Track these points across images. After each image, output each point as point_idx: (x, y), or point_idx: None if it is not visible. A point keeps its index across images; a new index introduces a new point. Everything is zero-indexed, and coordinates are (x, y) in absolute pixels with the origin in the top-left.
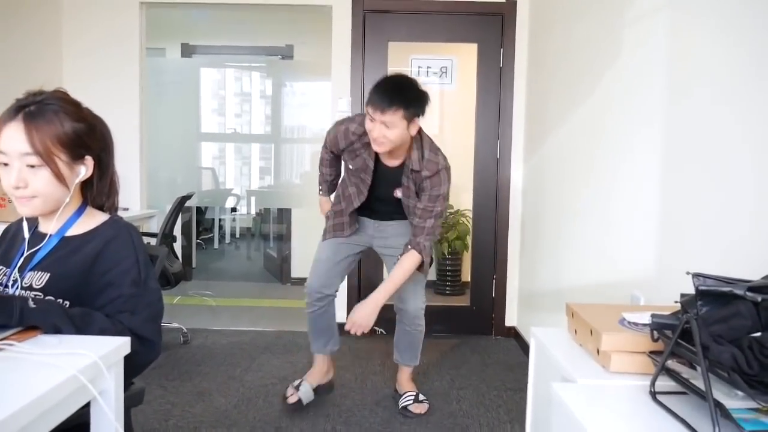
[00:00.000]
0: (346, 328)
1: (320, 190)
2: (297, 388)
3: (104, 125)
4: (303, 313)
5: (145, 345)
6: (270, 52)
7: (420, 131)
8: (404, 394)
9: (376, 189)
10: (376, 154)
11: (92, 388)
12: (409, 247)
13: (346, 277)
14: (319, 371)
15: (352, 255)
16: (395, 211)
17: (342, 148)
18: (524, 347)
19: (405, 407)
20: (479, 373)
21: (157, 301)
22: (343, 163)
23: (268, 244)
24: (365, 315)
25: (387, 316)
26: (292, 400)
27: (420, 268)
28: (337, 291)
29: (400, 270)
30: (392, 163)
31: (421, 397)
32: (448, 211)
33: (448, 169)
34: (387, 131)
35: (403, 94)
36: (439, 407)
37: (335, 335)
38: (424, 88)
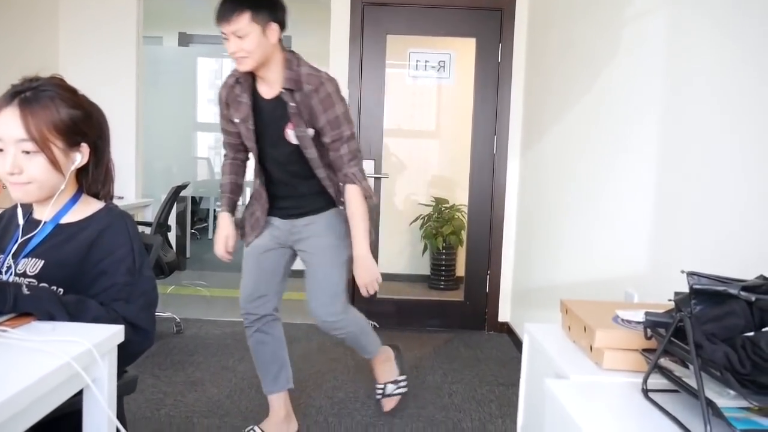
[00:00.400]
0: (363, 294)
1: (219, 205)
2: None
3: (100, 113)
4: (296, 304)
5: (139, 333)
6: None
7: (294, 53)
8: (376, 386)
9: (264, 135)
10: (254, 92)
11: (85, 376)
12: (341, 184)
13: None
14: (276, 418)
15: (283, 260)
16: (298, 183)
17: (225, 99)
18: (517, 343)
19: (378, 401)
20: (472, 368)
21: (151, 290)
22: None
23: None
24: (365, 272)
25: (378, 310)
26: None
27: (366, 199)
28: (275, 310)
29: (351, 210)
30: (270, 92)
31: (390, 388)
32: (444, 206)
33: (334, 81)
34: (242, 42)
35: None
36: (431, 401)
37: (285, 368)
38: None
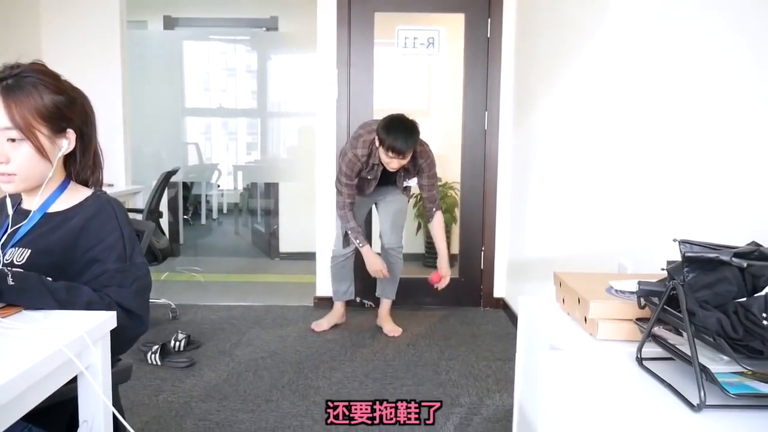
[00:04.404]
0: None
1: (359, 242)
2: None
3: (84, 98)
4: (291, 287)
5: (133, 319)
6: (254, 24)
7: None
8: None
9: (380, 181)
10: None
11: (78, 363)
12: (434, 210)
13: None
14: (334, 310)
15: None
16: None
17: (361, 169)
18: (513, 318)
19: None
20: (468, 344)
21: (144, 276)
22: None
23: (256, 219)
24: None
25: (374, 289)
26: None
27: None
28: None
29: (439, 229)
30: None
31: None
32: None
33: (431, 152)
34: (403, 161)
35: (413, 138)
36: (428, 378)
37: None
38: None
